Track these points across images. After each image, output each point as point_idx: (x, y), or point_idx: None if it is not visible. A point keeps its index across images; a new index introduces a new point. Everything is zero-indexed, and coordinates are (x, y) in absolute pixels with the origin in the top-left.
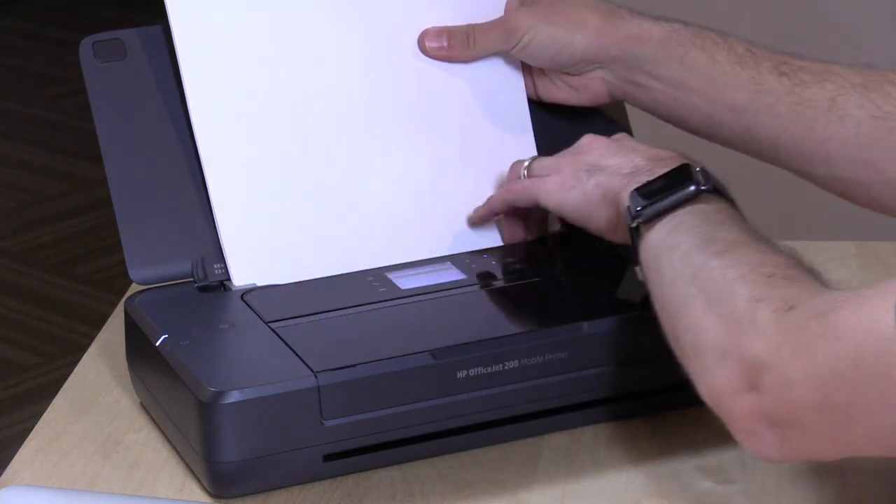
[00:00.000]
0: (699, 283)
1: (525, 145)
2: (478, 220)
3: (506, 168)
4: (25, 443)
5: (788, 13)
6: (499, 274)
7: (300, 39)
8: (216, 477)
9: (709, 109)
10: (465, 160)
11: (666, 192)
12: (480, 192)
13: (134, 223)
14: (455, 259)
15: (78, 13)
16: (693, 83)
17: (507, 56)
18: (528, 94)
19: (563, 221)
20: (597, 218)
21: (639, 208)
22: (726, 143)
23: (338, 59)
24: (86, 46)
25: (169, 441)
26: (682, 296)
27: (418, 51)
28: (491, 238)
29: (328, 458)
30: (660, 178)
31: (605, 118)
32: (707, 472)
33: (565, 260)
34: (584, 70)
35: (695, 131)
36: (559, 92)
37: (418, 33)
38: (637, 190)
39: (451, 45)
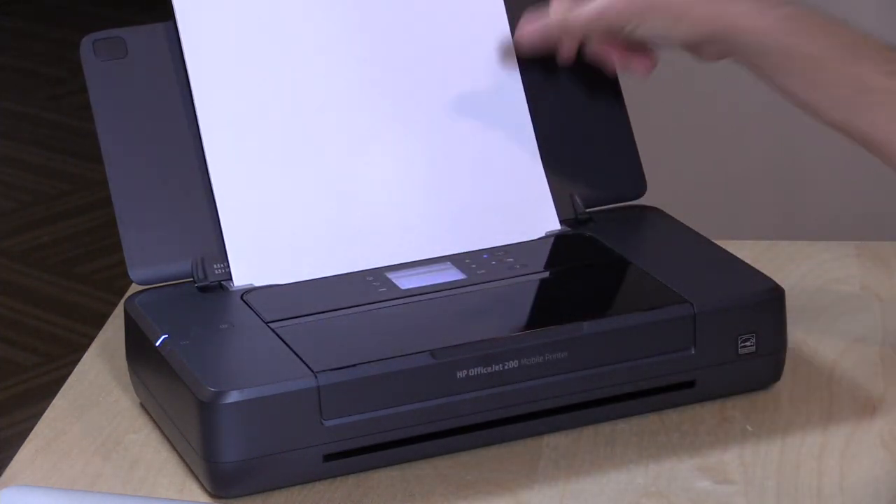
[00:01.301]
0: None
1: (525, 143)
2: None
3: (507, 167)
4: (25, 443)
5: None
6: (499, 274)
7: (305, 40)
8: (216, 477)
9: (808, 98)
10: (465, 161)
11: None
12: (480, 192)
13: (134, 223)
14: (455, 259)
15: (78, 13)
16: (795, 72)
17: (504, 54)
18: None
19: (565, 221)
20: None
21: None
22: (828, 125)
23: (342, 60)
24: (86, 45)
25: (169, 441)
26: None
27: (419, 54)
28: (491, 238)
29: (328, 458)
30: None
31: (603, 110)
32: (707, 472)
33: (565, 260)
34: (691, 48)
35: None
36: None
37: (422, 36)
38: None
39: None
